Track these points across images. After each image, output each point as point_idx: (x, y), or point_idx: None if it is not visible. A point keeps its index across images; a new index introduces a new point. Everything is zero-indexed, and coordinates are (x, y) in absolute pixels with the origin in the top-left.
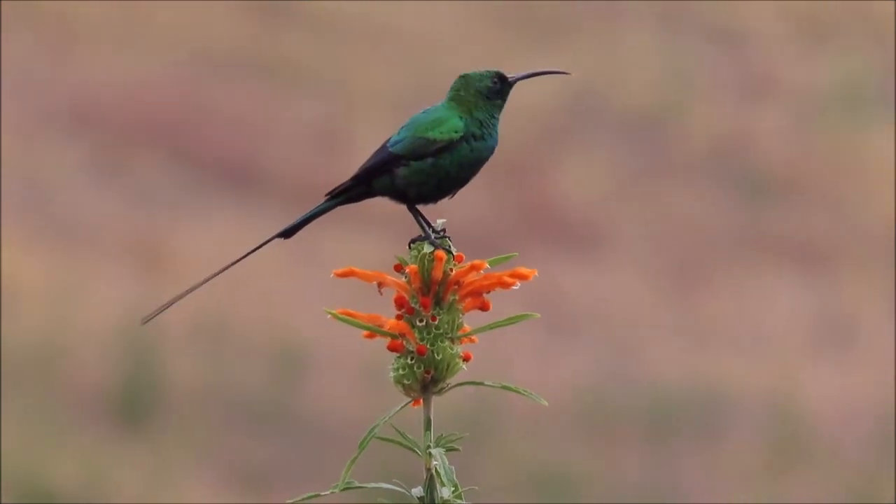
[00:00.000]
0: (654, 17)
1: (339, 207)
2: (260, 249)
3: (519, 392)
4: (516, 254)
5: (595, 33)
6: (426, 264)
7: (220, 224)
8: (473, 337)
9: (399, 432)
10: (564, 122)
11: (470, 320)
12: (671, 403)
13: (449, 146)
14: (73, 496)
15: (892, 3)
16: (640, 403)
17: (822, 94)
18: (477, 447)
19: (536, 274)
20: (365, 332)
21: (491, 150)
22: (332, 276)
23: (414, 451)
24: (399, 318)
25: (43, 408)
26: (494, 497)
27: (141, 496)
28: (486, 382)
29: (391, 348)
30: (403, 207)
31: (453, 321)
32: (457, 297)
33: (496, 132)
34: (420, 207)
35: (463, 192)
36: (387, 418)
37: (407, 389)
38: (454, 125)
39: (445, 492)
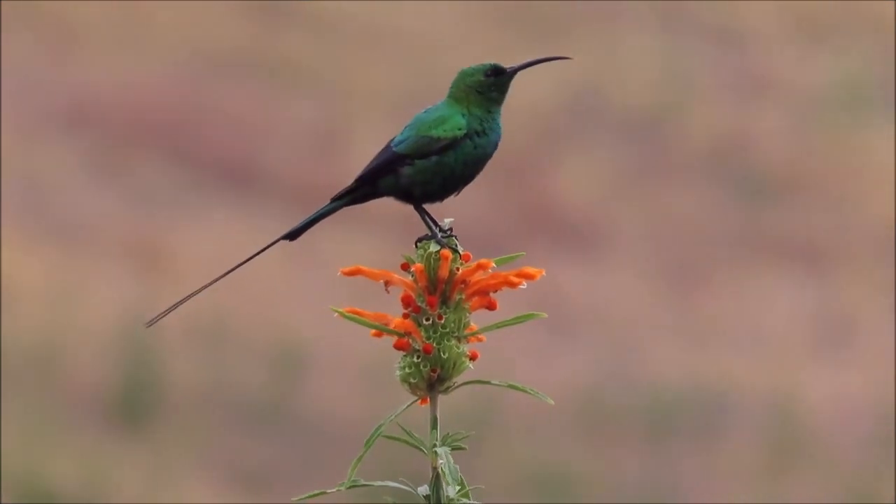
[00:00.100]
0: (654, 17)
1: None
2: (255, 247)
3: (525, 391)
4: (523, 253)
5: (595, 33)
6: (432, 263)
7: (220, 224)
8: (480, 336)
9: (405, 431)
10: (564, 121)
11: (476, 319)
12: (671, 403)
13: (453, 143)
14: (73, 496)
15: (892, 3)
16: (639, 403)
17: (821, 94)
18: (476, 447)
19: (543, 273)
20: (372, 331)
21: (494, 146)
22: (338, 274)
23: (420, 449)
24: (405, 316)
25: (42, 408)
26: (494, 497)
27: (140, 496)
28: (493, 381)
29: (397, 347)
30: (403, 208)
31: (460, 320)
32: (463, 296)
33: (498, 126)
34: (426, 207)
35: (463, 192)
36: (393, 417)
37: (413, 388)
38: (457, 122)
39: (451, 490)
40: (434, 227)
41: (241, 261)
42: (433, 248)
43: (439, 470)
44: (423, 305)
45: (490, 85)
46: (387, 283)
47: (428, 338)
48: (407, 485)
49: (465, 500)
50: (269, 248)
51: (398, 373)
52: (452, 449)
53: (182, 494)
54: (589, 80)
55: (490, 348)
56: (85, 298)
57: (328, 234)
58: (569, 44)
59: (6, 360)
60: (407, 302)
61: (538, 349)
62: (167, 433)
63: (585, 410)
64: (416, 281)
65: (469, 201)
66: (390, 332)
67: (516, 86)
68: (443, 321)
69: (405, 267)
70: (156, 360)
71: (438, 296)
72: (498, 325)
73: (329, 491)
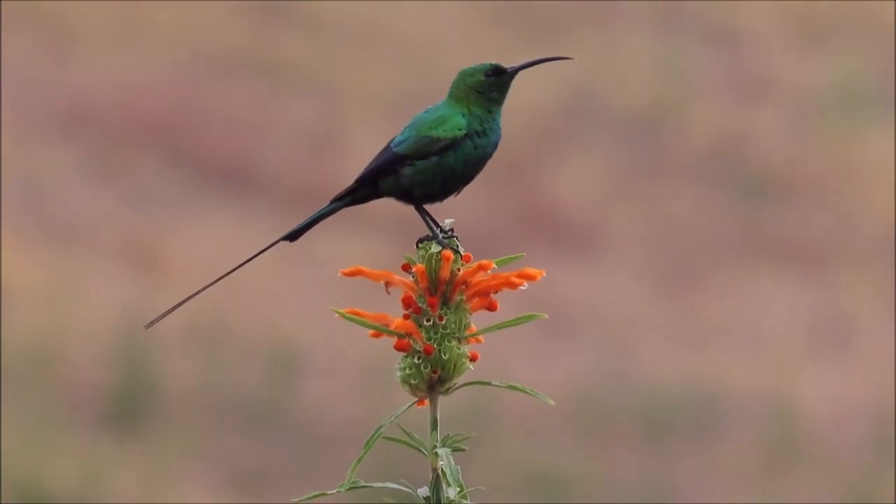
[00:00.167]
0: (652, 18)
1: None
2: (252, 248)
3: (525, 392)
4: (524, 254)
5: (593, 34)
6: (434, 264)
7: (218, 225)
8: (480, 337)
9: (406, 432)
10: (562, 122)
11: (476, 320)
12: (668, 404)
13: (453, 144)
14: (70, 497)
15: (891, 3)
16: (636, 404)
17: (819, 94)
18: (473, 448)
19: (544, 274)
20: (371, 332)
21: (494, 146)
22: (339, 275)
23: (420, 450)
24: (406, 317)
25: (40, 409)
26: (491, 498)
27: (137, 497)
28: (494, 382)
29: (398, 348)
30: (400, 208)
31: (460, 321)
32: (464, 297)
33: (498, 126)
34: (427, 207)
35: (461, 193)
36: (393, 418)
37: (413, 389)
38: (457, 122)
39: (451, 492)
40: (435, 228)
41: (241, 262)
42: (434, 248)
43: (439, 471)
44: (424, 306)
45: (490, 85)
46: (387, 284)
47: (429, 339)
48: (407, 486)
49: (465, 502)
50: (268, 250)
51: (398, 374)
52: (453, 450)
53: (179, 495)
54: (587, 80)
55: (487, 349)
56: (83, 299)
57: (325, 234)
58: (567, 44)
59: (4, 361)
60: (408, 303)
61: (535, 350)
62: (164, 434)
63: (582, 411)
64: (416, 282)
65: (467, 202)
66: (391, 333)
67: (514, 86)
68: (443, 322)
69: (406, 268)
70: (153, 361)
71: (439, 297)
72: (498, 326)
73: (329, 492)
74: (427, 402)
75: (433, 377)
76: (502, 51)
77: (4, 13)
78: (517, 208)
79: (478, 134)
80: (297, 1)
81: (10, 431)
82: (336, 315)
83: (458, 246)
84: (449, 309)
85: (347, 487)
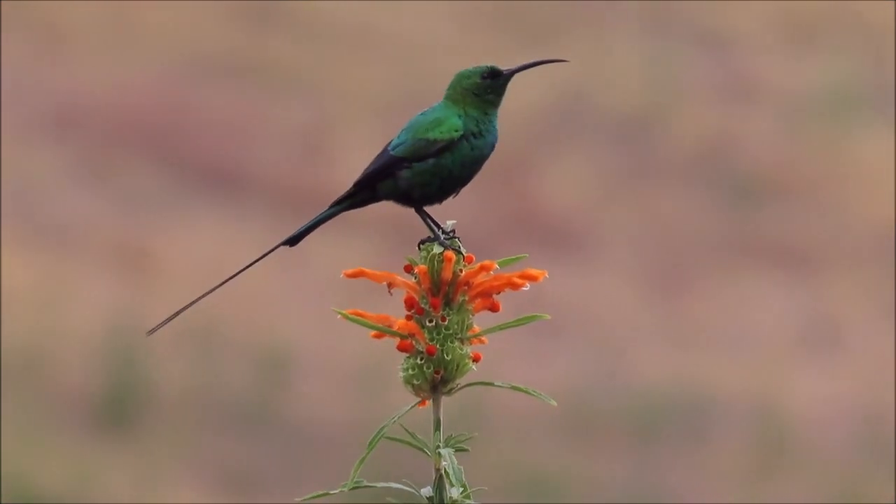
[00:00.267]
0: (641, 21)
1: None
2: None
3: (528, 392)
4: (526, 255)
5: (583, 37)
6: (436, 265)
7: (207, 228)
8: (483, 338)
9: (409, 432)
10: (551, 125)
11: (477, 322)
12: (657, 406)
13: (450, 145)
14: (62, 499)
15: (880, 5)
16: (625, 406)
17: (808, 97)
18: None
19: (546, 275)
20: (374, 332)
21: (491, 147)
22: (341, 276)
23: (423, 451)
24: (409, 318)
25: (31, 411)
26: (483, 498)
27: (129, 499)
28: (496, 383)
29: (401, 348)
30: (391, 211)
31: (463, 322)
32: (466, 298)
33: (494, 128)
34: (428, 209)
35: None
36: (396, 418)
37: (416, 390)
38: (454, 124)
39: (455, 492)
40: (437, 229)
41: (242, 267)
42: (437, 249)
43: (442, 471)
44: (427, 307)
45: (487, 87)
46: (390, 285)
47: (431, 339)
48: (410, 486)
49: (468, 502)
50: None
51: (401, 374)
52: (456, 451)
53: (170, 497)
54: (577, 83)
55: (478, 351)
56: (73, 301)
57: (316, 237)
58: (557, 47)
59: None
60: (410, 304)
61: (525, 352)
62: (155, 436)
63: (573, 413)
64: (419, 283)
65: (456, 205)
66: (394, 334)
67: (507, 89)
68: (446, 323)
69: (408, 269)
70: (143, 364)
71: (442, 298)
72: (501, 327)
73: (332, 492)
74: (429, 402)
75: (436, 378)
76: (493, 53)
77: None
78: (507, 210)
79: (474, 135)
80: (287, 2)
81: (2, 433)
82: (339, 316)
83: (459, 247)
84: (451, 310)
85: (350, 487)
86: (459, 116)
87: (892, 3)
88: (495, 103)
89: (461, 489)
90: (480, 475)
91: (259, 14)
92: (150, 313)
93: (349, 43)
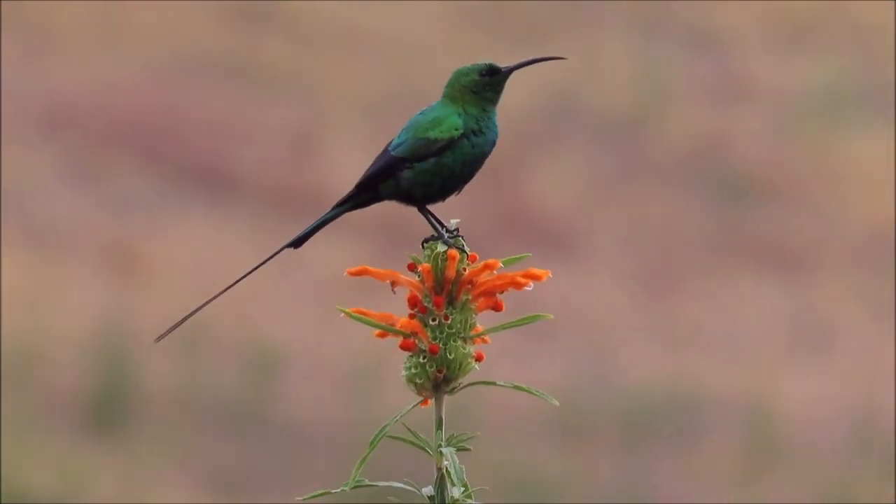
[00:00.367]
0: (632, 21)
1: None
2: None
3: (530, 392)
4: (529, 254)
5: (574, 37)
6: (439, 263)
7: (196, 228)
8: (486, 337)
9: (411, 431)
10: (542, 125)
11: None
12: (647, 407)
13: (450, 144)
14: (51, 500)
15: (870, 5)
16: (615, 406)
17: (799, 97)
18: None
19: (550, 275)
20: (378, 331)
21: (492, 144)
22: (345, 274)
23: (425, 450)
24: (412, 316)
25: (20, 412)
26: (482, 498)
27: (118, 500)
28: (498, 382)
29: (404, 347)
30: (379, 211)
31: (466, 321)
32: (470, 297)
33: (494, 125)
34: (431, 207)
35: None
36: (398, 417)
37: (419, 388)
38: (453, 123)
39: (456, 491)
40: (440, 228)
41: (249, 269)
42: (440, 248)
43: (444, 471)
44: (430, 306)
45: (485, 85)
46: (393, 284)
47: (434, 338)
48: (411, 485)
49: (469, 502)
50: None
51: (404, 373)
52: (457, 450)
53: (159, 498)
54: (568, 83)
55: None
56: (62, 302)
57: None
58: (548, 48)
59: None
60: (413, 302)
61: (514, 352)
62: (145, 437)
63: (562, 413)
64: (422, 281)
65: (446, 205)
66: (397, 333)
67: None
68: (449, 322)
69: (412, 267)
70: (132, 365)
71: (445, 296)
72: (504, 326)
73: (333, 490)
74: (431, 401)
75: (438, 377)
76: (484, 53)
77: None
78: (498, 211)
79: (474, 133)
80: (278, 3)
81: None
82: (342, 314)
83: (463, 245)
84: (454, 308)
85: (352, 486)
86: (459, 115)
87: (883, 2)
88: (494, 100)
89: (462, 488)
90: (470, 475)
91: (249, 15)
92: (141, 314)
93: (340, 43)
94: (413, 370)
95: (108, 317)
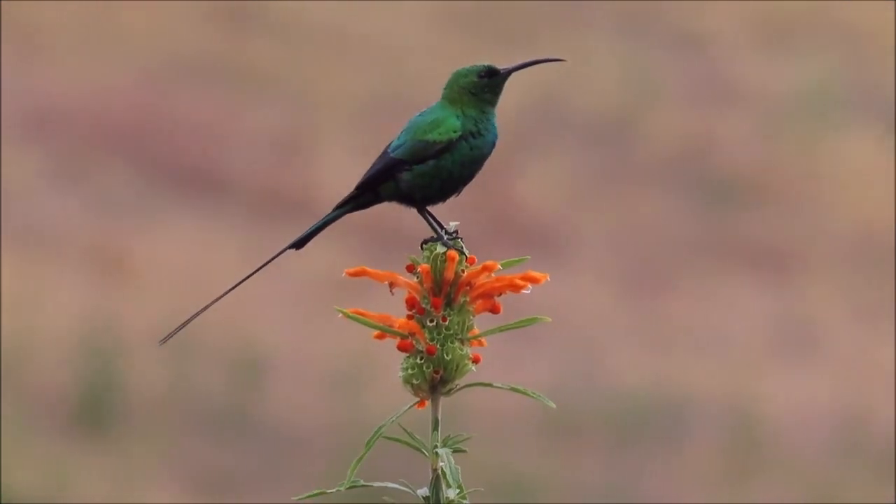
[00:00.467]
0: (618, 22)
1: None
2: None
3: (527, 394)
4: (528, 257)
5: (560, 38)
6: (438, 264)
7: (184, 231)
8: (483, 339)
9: (407, 432)
10: (528, 127)
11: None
12: (634, 408)
13: (449, 146)
14: (36, 500)
15: (858, 6)
16: (602, 408)
17: (786, 99)
18: None
19: (548, 278)
20: (376, 332)
21: (492, 146)
22: (344, 275)
23: (421, 451)
24: (410, 317)
25: (4, 414)
26: (477, 500)
27: (104, 500)
28: (495, 384)
29: (401, 348)
30: (367, 216)
31: (464, 322)
32: (468, 299)
33: (494, 126)
34: (431, 209)
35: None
36: (395, 418)
37: (416, 389)
38: (452, 125)
39: (451, 493)
40: (440, 230)
41: (251, 271)
42: (440, 249)
43: (439, 472)
44: (428, 307)
45: (484, 86)
46: (391, 285)
47: (432, 339)
48: (407, 486)
49: (464, 503)
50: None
51: (401, 374)
52: (453, 451)
53: (146, 499)
54: (554, 84)
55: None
56: (49, 304)
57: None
58: (533, 49)
59: None
60: (411, 303)
61: (502, 353)
62: (131, 438)
63: (549, 415)
64: (421, 282)
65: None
66: (394, 334)
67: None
68: (447, 323)
69: (410, 268)
70: (119, 367)
71: (443, 298)
72: (502, 329)
73: (329, 491)
74: (428, 402)
75: (435, 378)
76: (471, 56)
77: None
78: (484, 213)
79: (473, 135)
80: (265, 2)
81: None
82: (340, 315)
83: (462, 247)
84: (452, 310)
85: (347, 486)
86: (457, 117)
87: (869, 4)
88: (493, 102)
89: (458, 490)
90: (463, 476)
91: (236, 17)
92: (128, 316)
93: (327, 45)
94: (410, 371)
95: (96, 318)
